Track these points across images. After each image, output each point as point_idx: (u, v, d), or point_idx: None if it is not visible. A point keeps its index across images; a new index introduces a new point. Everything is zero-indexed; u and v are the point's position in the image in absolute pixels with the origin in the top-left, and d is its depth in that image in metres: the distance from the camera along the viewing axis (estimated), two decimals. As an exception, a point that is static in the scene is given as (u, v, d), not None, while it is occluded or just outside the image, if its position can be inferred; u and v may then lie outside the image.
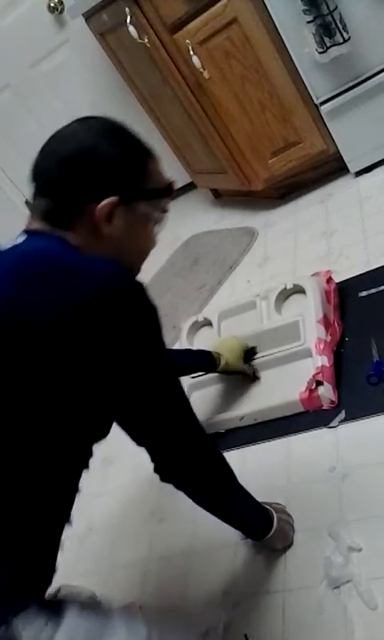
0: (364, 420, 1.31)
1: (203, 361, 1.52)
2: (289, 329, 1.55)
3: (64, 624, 0.75)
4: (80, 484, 0.89)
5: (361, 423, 1.31)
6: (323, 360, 1.43)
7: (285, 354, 1.52)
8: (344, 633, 0.99)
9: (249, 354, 1.58)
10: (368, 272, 1.71)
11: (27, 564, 0.80)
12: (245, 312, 1.74)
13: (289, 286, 1.69)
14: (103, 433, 0.90)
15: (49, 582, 0.84)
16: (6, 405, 0.75)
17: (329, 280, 1.67)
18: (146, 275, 2.93)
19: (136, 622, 0.82)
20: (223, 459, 1.02)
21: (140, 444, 0.91)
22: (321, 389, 1.38)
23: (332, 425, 1.34)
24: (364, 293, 1.63)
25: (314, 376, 1.39)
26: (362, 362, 1.42)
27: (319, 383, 1.38)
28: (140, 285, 0.81)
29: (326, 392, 1.38)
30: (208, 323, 1.81)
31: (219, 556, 1.26)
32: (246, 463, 1.39)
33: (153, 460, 0.94)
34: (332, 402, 1.38)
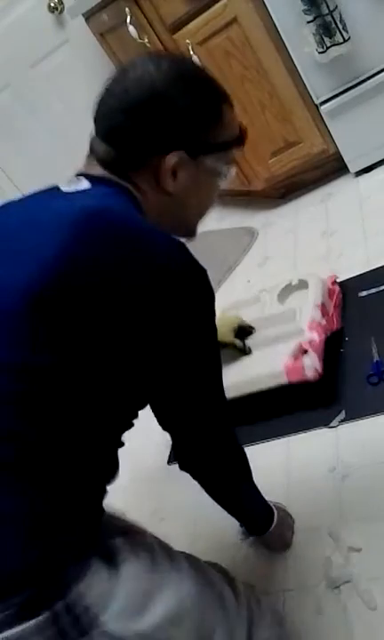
0: (364, 419, 1.30)
1: None
2: (287, 314, 1.55)
3: (123, 572, 0.71)
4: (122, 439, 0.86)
5: (361, 423, 1.31)
6: (312, 335, 1.40)
7: (278, 332, 1.50)
8: (344, 633, 0.99)
9: (243, 331, 1.55)
10: (368, 272, 1.71)
11: (76, 519, 0.73)
12: (250, 305, 1.73)
13: (294, 282, 1.68)
14: (144, 402, 0.86)
15: (98, 530, 0.76)
16: (61, 359, 0.70)
17: (333, 283, 1.67)
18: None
19: (179, 560, 0.80)
20: (243, 452, 0.99)
21: (165, 428, 0.88)
22: (306, 359, 1.34)
23: (332, 425, 1.34)
24: (363, 293, 1.63)
25: (300, 344, 1.36)
26: (362, 362, 1.42)
27: (305, 352, 1.36)
28: (201, 271, 0.77)
29: (311, 361, 1.34)
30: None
31: (219, 556, 1.25)
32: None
33: (176, 445, 0.92)
34: (318, 373, 1.33)
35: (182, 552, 0.87)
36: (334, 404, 1.38)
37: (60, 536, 0.68)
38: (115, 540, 0.75)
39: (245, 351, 1.53)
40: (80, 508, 0.73)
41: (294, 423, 1.41)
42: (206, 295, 0.78)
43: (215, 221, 2.63)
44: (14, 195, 3.49)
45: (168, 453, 1.56)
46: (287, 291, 1.69)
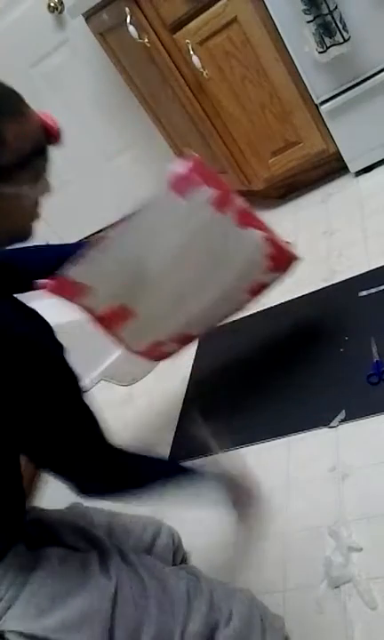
0: (364, 419, 1.30)
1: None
2: None
3: (31, 579, 0.77)
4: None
5: (361, 423, 1.31)
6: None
7: None
8: (344, 633, 0.99)
9: None
10: (368, 272, 1.71)
11: None
12: None
13: None
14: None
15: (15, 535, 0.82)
16: None
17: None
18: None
19: (103, 576, 0.82)
20: (131, 462, 0.91)
21: (53, 470, 0.82)
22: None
23: (332, 425, 1.34)
24: (363, 293, 1.63)
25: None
26: (362, 361, 1.42)
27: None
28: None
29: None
30: None
31: (218, 556, 1.26)
32: (246, 463, 1.39)
33: (72, 482, 0.83)
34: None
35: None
36: (334, 404, 1.38)
37: None
38: (45, 549, 0.81)
39: None
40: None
41: (294, 423, 1.41)
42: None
43: (215, 221, 2.63)
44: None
45: (168, 453, 1.56)
46: None
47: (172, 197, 1.20)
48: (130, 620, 0.79)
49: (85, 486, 0.83)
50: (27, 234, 0.82)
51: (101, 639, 0.77)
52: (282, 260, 1.39)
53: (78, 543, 0.88)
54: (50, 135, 0.79)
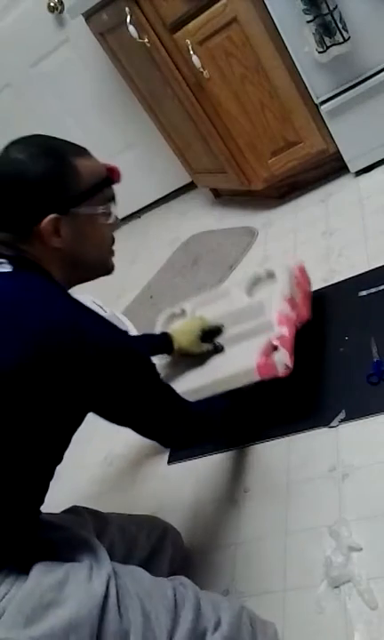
0: (364, 419, 1.30)
1: (159, 344, 1.50)
2: (255, 307, 1.53)
3: (22, 590, 0.79)
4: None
5: (361, 423, 1.31)
6: (282, 330, 1.40)
7: (248, 328, 1.49)
8: (344, 633, 0.99)
9: (212, 333, 1.55)
10: (368, 272, 1.71)
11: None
12: (219, 299, 1.71)
13: (261, 274, 1.66)
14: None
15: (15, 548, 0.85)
16: None
17: (301, 270, 1.64)
18: (146, 274, 2.94)
19: (91, 581, 0.83)
20: (201, 413, 1.21)
21: (122, 424, 1.00)
22: (277, 355, 1.35)
23: (332, 425, 1.34)
24: (363, 293, 1.63)
25: (270, 341, 1.37)
26: (362, 361, 1.42)
27: (275, 349, 1.36)
28: (122, 342, 0.92)
29: (282, 358, 1.34)
30: (184, 313, 1.76)
31: (218, 556, 1.26)
32: (246, 463, 1.39)
33: (138, 432, 1.05)
34: (288, 368, 1.34)
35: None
36: (334, 404, 1.38)
37: None
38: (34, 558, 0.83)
39: (218, 350, 1.53)
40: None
41: (294, 423, 1.41)
42: (130, 359, 0.92)
43: (215, 221, 2.63)
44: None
45: (168, 453, 1.56)
46: (255, 283, 1.68)
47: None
48: (116, 628, 0.80)
49: (169, 442, 1.17)
50: (110, 268, 1.03)
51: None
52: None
53: (69, 550, 0.89)
54: (112, 174, 0.99)
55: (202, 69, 2.03)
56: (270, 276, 1.66)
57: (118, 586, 0.84)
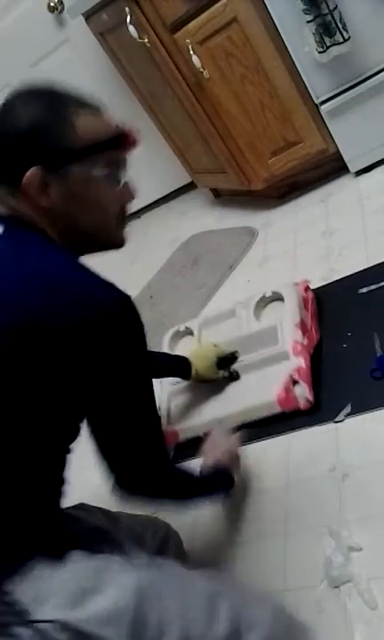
0: (367, 414, 1.31)
1: (178, 367, 1.51)
2: (267, 333, 1.57)
3: (65, 570, 0.79)
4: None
5: (361, 421, 1.31)
6: (299, 361, 1.44)
7: (263, 357, 1.53)
8: (344, 633, 0.99)
9: (227, 360, 1.56)
10: (367, 269, 1.72)
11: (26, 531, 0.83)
12: (226, 320, 1.75)
13: (268, 294, 1.70)
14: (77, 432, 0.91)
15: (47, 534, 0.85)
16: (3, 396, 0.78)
17: (306, 289, 1.68)
18: (146, 274, 2.93)
19: (128, 571, 0.83)
20: (179, 476, 1.04)
21: (103, 453, 0.88)
22: (298, 389, 1.40)
23: (337, 419, 1.34)
24: (363, 290, 1.64)
25: (290, 375, 1.41)
26: (365, 357, 1.43)
27: (295, 382, 1.40)
28: (127, 308, 0.81)
29: (303, 392, 1.39)
30: (190, 332, 1.80)
31: (218, 556, 1.26)
32: (246, 462, 1.39)
33: (113, 472, 0.90)
34: (309, 401, 1.39)
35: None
36: (339, 400, 1.38)
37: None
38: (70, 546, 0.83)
39: (234, 377, 1.55)
40: (23, 514, 0.82)
41: (296, 420, 1.41)
42: (135, 328, 0.83)
43: (215, 221, 2.63)
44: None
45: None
46: (262, 303, 1.71)
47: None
48: (154, 621, 0.80)
49: (126, 481, 0.90)
50: (117, 241, 0.92)
51: (128, 638, 0.79)
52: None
53: (96, 543, 0.89)
54: (125, 139, 0.87)
55: (202, 69, 2.03)
56: (277, 297, 1.68)
57: (155, 577, 0.85)
